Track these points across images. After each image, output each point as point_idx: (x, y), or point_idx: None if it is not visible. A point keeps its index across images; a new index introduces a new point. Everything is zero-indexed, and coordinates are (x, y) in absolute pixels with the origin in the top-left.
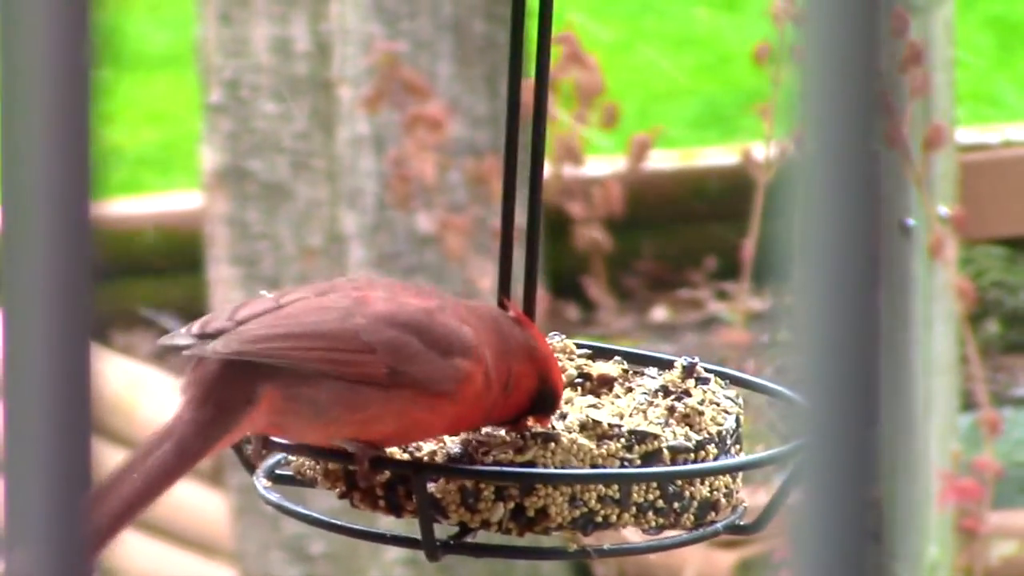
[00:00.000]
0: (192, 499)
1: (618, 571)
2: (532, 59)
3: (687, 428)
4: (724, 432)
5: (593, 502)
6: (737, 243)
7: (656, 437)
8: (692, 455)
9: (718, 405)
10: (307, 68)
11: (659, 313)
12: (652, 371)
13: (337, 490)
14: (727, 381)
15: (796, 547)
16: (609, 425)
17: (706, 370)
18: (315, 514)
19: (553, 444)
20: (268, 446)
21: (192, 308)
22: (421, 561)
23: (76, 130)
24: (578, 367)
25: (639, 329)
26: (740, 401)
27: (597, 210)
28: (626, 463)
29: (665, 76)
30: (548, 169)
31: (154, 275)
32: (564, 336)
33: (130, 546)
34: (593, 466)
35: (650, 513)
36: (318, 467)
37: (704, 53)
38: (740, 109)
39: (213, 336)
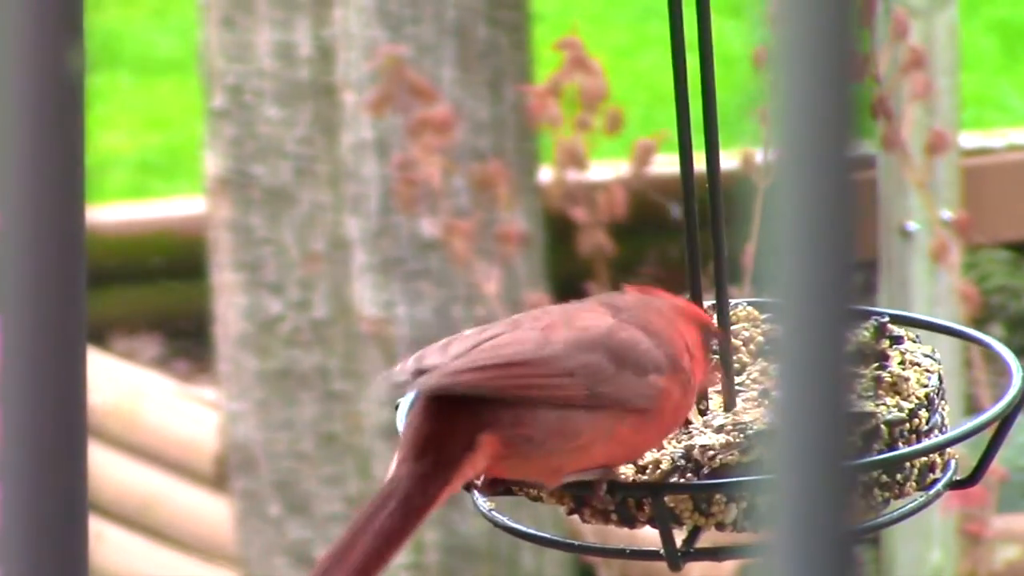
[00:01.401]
0: (195, 504)
1: (622, 571)
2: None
3: (896, 397)
4: (931, 393)
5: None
6: (739, 247)
7: (873, 415)
8: (907, 424)
9: (919, 366)
10: (310, 73)
11: None
12: None
13: (565, 507)
14: (918, 336)
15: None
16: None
17: (896, 326)
18: (548, 535)
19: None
20: (495, 487)
21: (195, 314)
22: (425, 566)
23: (68, 135)
24: (764, 332)
25: None
26: (938, 356)
27: (601, 215)
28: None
29: (669, 80)
30: (551, 174)
31: (157, 280)
32: (746, 303)
33: (134, 552)
34: None
35: (875, 490)
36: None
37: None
38: (743, 113)
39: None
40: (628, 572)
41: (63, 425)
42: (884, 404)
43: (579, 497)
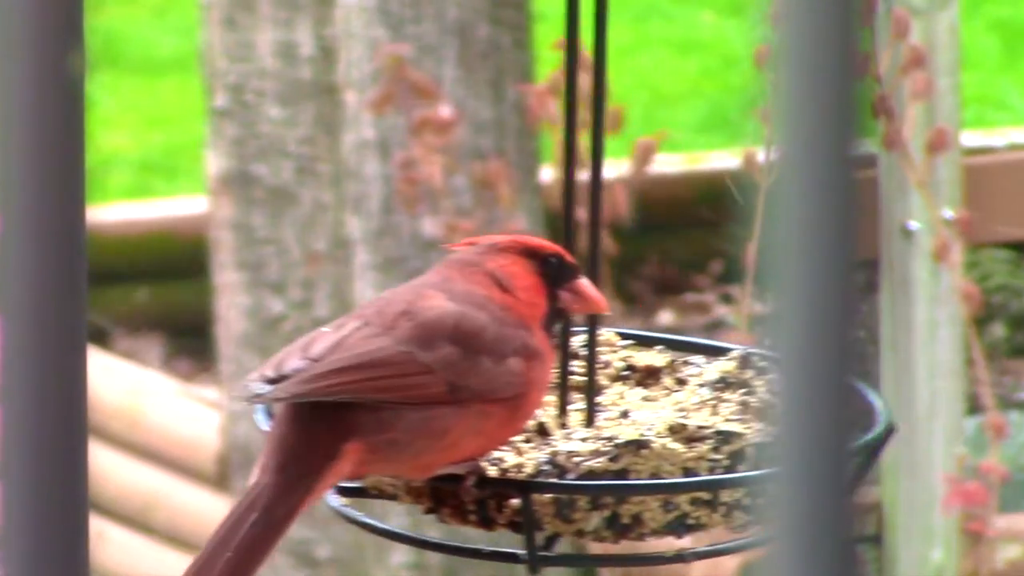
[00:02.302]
0: (197, 504)
1: (624, 573)
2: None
3: (764, 423)
4: None
5: (686, 505)
6: (742, 247)
7: (741, 436)
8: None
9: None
10: (312, 73)
11: (665, 317)
12: (699, 360)
13: (423, 506)
14: (760, 370)
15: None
16: (697, 427)
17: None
18: (399, 530)
19: (645, 450)
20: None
21: (197, 313)
22: (426, 565)
23: (69, 136)
24: (623, 359)
25: None
26: None
27: (602, 215)
28: (715, 464)
29: (670, 80)
30: (552, 174)
31: (159, 280)
32: (605, 327)
33: (136, 551)
34: (684, 470)
35: (737, 512)
36: (399, 483)
37: (709, 57)
38: (745, 113)
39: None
40: (630, 571)
41: (64, 425)
42: (751, 428)
43: (438, 496)
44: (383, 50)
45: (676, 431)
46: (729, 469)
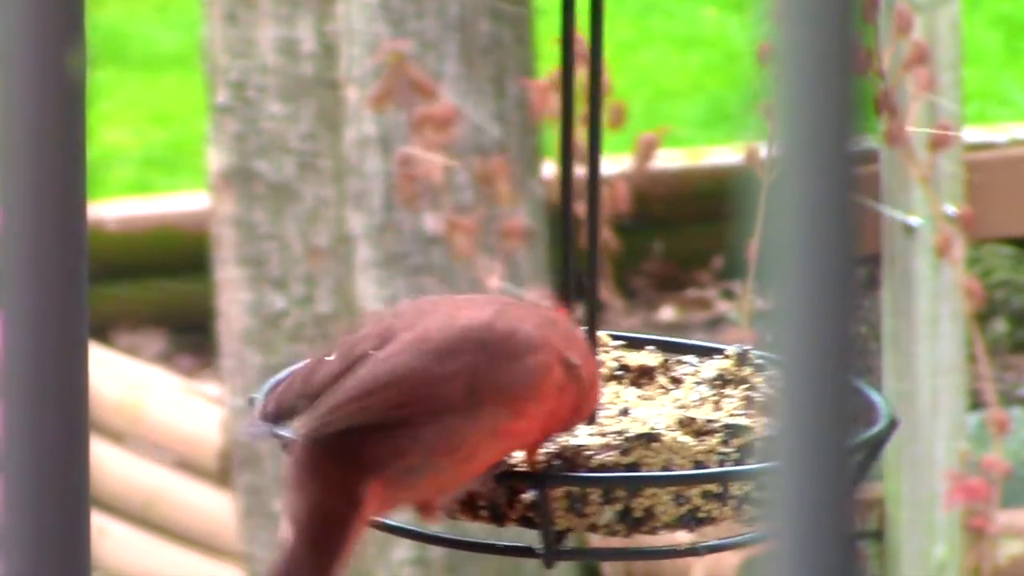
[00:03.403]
0: (199, 500)
1: (627, 569)
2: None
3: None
4: None
5: (697, 499)
6: (744, 242)
7: (750, 430)
8: None
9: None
10: (313, 69)
11: (666, 313)
12: (691, 359)
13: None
14: (758, 366)
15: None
16: (706, 421)
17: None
18: (410, 527)
19: (656, 443)
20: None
21: (198, 309)
22: (428, 561)
23: (69, 131)
24: (616, 359)
25: (646, 329)
26: None
27: (604, 210)
28: (725, 458)
29: (672, 75)
30: (553, 169)
31: (161, 276)
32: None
33: (137, 547)
34: (695, 463)
35: (746, 506)
36: None
37: (711, 53)
38: (747, 108)
39: (289, 412)
40: (631, 564)
41: (65, 420)
42: (758, 422)
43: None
44: (384, 46)
45: (685, 424)
46: (739, 462)
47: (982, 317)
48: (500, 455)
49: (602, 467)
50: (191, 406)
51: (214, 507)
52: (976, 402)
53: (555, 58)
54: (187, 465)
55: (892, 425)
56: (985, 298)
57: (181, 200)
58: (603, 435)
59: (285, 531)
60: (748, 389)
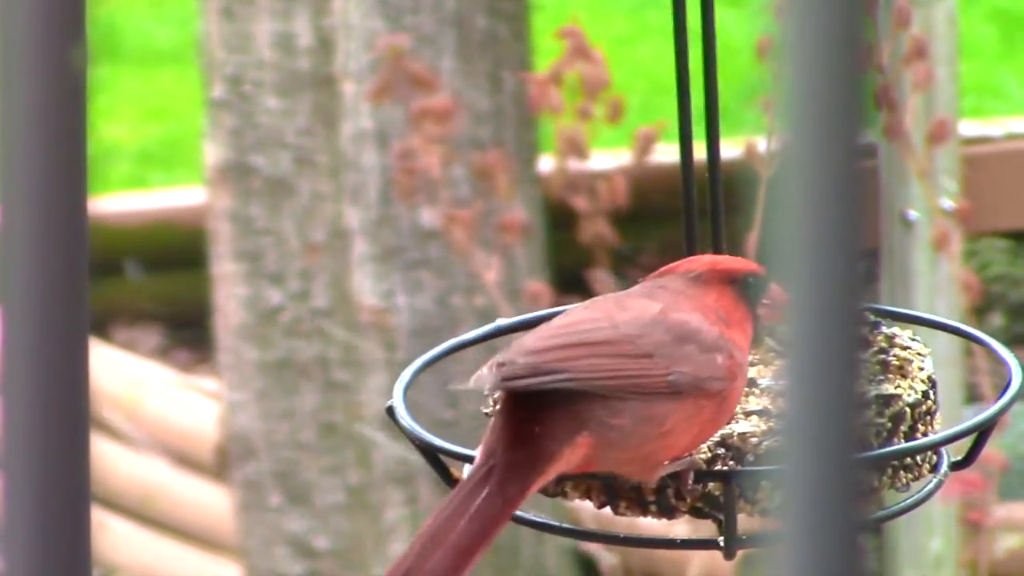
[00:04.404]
0: (196, 494)
1: (624, 565)
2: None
3: (907, 379)
4: (931, 375)
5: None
6: (742, 237)
7: (899, 398)
8: (923, 406)
9: (910, 349)
10: (310, 64)
11: None
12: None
13: (595, 501)
14: (889, 320)
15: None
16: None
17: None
18: (592, 529)
19: None
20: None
21: (195, 304)
22: None
23: (70, 127)
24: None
25: None
26: (920, 339)
27: (602, 204)
28: (880, 428)
29: (669, 70)
30: (552, 163)
31: (157, 271)
32: None
33: (135, 542)
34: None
35: (902, 472)
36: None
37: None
38: (745, 103)
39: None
40: (628, 560)
41: (65, 416)
42: (900, 387)
43: (612, 490)
44: (381, 41)
45: None
46: (892, 432)
47: (979, 311)
48: (693, 443)
49: (768, 452)
50: (188, 401)
51: (211, 501)
52: (972, 396)
53: (552, 53)
54: (184, 459)
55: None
56: (982, 292)
57: (177, 195)
58: (761, 419)
59: (479, 457)
60: (880, 353)
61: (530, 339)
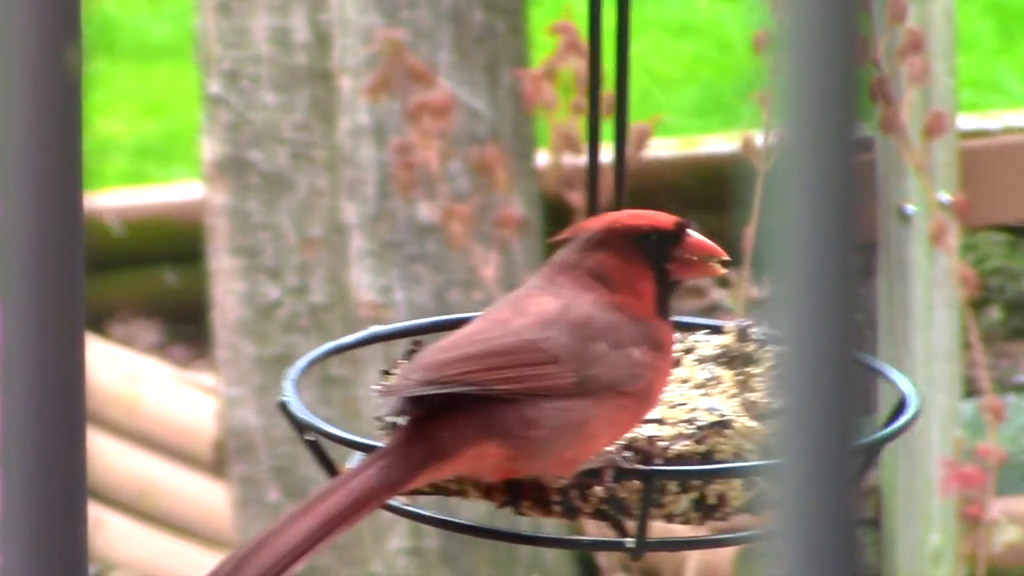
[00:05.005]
0: (194, 490)
1: (622, 560)
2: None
3: None
4: None
5: (763, 482)
6: (738, 231)
7: None
8: None
9: None
10: (307, 59)
11: None
12: (700, 336)
13: (497, 501)
14: (759, 342)
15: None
16: (765, 404)
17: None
18: (502, 529)
19: (728, 431)
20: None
21: (193, 300)
22: (423, 551)
23: (66, 124)
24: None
25: None
26: None
27: (599, 199)
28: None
29: (666, 63)
30: (547, 159)
31: (155, 266)
32: None
33: (133, 537)
34: (761, 446)
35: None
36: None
37: (705, 41)
38: (741, 97)
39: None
40: (628, 560)
41: (63, 412)
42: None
43: (514, 490)
44: (378, 36)
45: (749, 409)
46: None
47: (976, 305)
48: (611, 441)
49: (679, 457)
50: (186, 396)
51: (209, 497)
52: (971, 390)
53: (548, 47)
54: (182, 455)
55: (916, 415)
56: (979, 286)
57: (175, 191)
58: (668, 423)
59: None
60: (769, 366)
61: (431, 352)
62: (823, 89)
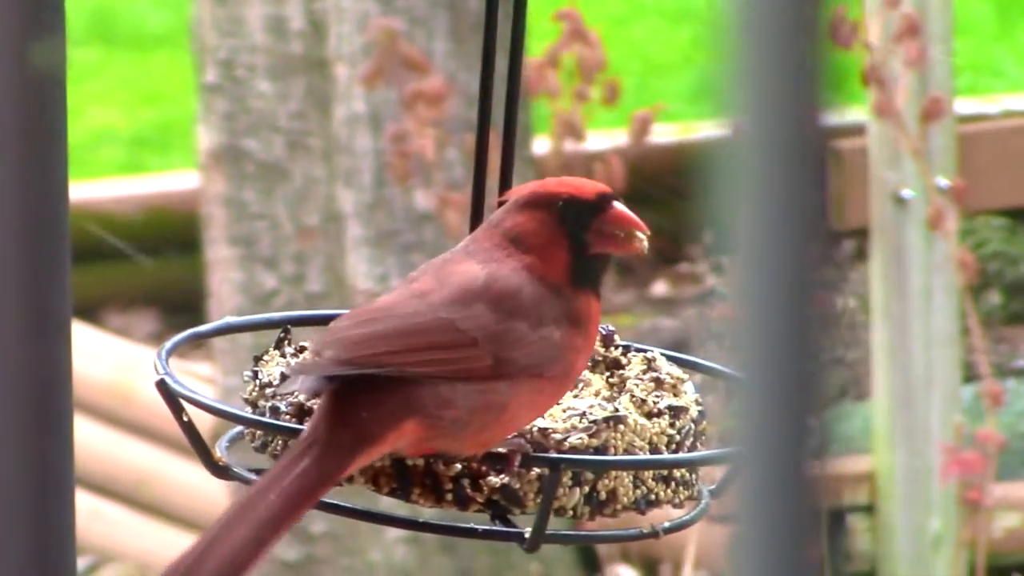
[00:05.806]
0: (190, 480)
1: (621, 547)
2: (529, 36)
3: (681, 397)
4: (699, 398)
5: (651, 481)
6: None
7: (687, 411)
8: (701, 425)
9: (671, 372)
10: (302, 47)
11: (659, 287)
12: None
13: (384, 489)
14: (623, 348)
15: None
16: (653, 402)
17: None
18: (394, 515)
19: (622, 426)
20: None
21: (189, 289)
22: (421, 540)
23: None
24: None
25: (639, 303)
26: (677, 370)
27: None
28: (671, 439)
29: (663, 50)
30: (548, 145)
31: (151, 256)
32: None
33: (129, 527)
34: (649, 444)
35: (681, 488)
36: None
37: (701, 26)
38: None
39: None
40: (626, 546)
41: (48, 403)
42: (685, 402)
43: (403, 477)
44: (374, 24)
45: (638, 407)
46: (681, 444)
47: (975, 289)
48: (528, 422)
49: (573, 449)
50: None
51: (205, 487)
52: (970, 374)
53: (546, 35)
54: (178, 445)
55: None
56: (978, 270)
57: (171, 180)
58: (560, 418)
59: (306, 431)
60: (645, 372)
61: (345, 324)
62: (779, 74)
